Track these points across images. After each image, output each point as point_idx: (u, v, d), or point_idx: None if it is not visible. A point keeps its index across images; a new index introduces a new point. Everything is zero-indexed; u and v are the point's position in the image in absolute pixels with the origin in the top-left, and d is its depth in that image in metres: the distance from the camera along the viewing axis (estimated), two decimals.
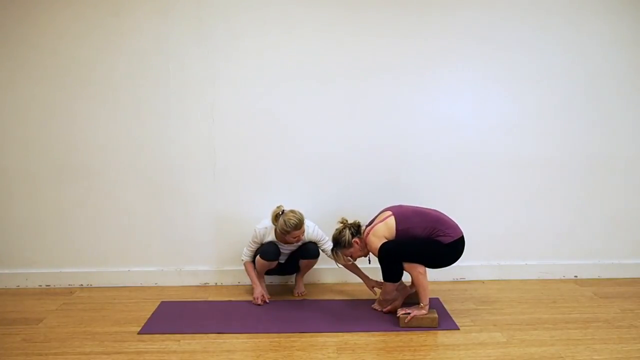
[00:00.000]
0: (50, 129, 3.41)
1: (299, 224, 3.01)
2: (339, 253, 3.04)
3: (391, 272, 2.83)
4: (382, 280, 2.95)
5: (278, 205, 3.11)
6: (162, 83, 3.39)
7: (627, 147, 3.58)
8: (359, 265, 3.24)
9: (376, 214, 3.05)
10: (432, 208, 3.00)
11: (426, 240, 2.83)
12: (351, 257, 3.06)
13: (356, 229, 3.02)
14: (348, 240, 2.96)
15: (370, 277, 3.23)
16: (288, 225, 2.98)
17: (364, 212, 3.11)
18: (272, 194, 3.46)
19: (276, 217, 3.06)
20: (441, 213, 2.96)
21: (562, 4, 3.43)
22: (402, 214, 2.90)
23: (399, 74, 3.44)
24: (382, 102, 3.46)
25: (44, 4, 3.30)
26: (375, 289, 3.20)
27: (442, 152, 3.52)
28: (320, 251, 3.26)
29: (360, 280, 3.26)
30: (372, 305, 3.11)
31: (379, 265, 2.94)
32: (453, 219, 2.94)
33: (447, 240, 2.82)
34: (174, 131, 3.44)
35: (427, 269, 2.83)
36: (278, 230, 3.05)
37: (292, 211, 3.05)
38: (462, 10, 3.40)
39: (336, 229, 3.04)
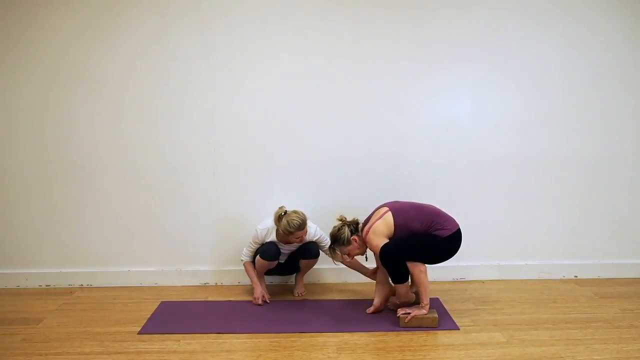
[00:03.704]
0: (50, 129, 3.41)
1: (302, 224, 3.00)
2: (337, 250, 3.05)
3: (397, 273, 2.82)
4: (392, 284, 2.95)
5: (280, 206, 3.10)
6: (163, 83, 3.39)
7: (628, 147, 3.57)
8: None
9: (372, 211, 3.05)
10: (427, 203, 3.01)
11: (425, 236, 2.84)
12: (348, 254, 3.06)
13: (355, 226, 3.02)
14: (347, 237, 2.96)
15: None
16: (291, 225, 2.97)
17: (364, 212, 3.10)
18: (272, 194, 3.46)
19: (279, 217, 3.05)
20: (436, 207, 2.97)
21: (563, 3, 3.43)
22: (399, 209, 2.90)
23: (398, 74, 3.43)
24: (382, 102, 3.45)
25: (44, 3, 3.30)
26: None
27: (442, 152, 3.52)
28: (320, 251, 3.26)
29: (361, 280, 3.27)
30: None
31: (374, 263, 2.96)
32: (448, 213, 2.95)
33: (446, 233, 2.83)
34: (174, 131, 3.43)
35: (427, 267, 2.83)
36: (281, 230, 3.04)
37: (294, 211, 3.04)
38: (462, 10, 3.40)
39: (334, 227, 3.04)
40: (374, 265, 3.19)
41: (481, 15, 3.41)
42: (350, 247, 3.00)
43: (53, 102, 3.38)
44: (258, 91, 3.42)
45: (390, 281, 2.92)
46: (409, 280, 2.90)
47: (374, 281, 3.19)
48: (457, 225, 2.89)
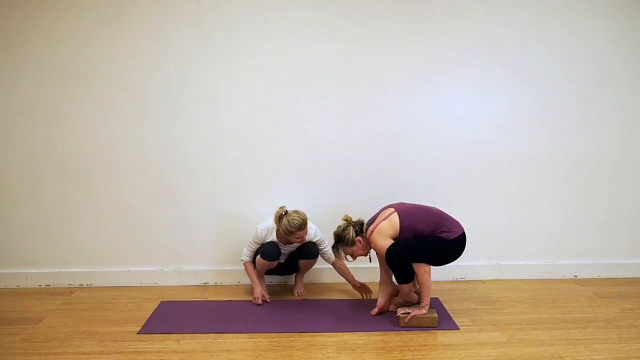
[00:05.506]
0: (51, 129, 3.41)
1: (303, 225, 3.00)
2: (340, 251, 3.04)
3: (403, 274, 2.82)
4: (397, 284, 2.95)
5: (281, 206, 3.09)
6: (163, 84, 3.39)
7: (627, 147, 3.58)
8: (355, 266, 3.24)
9: (377, 212, 3.04)
10: (431, 206, 3.00)
11: (431, 238, 2.83)
12: (352, 255, 3.04)
13: (360, 227, 3.00)
14: (352, 238, 2.94)
15: (356, 279, 3.27)
16: (292, 225, 2.97)
17: (364, 213, 3.10)
18: (272, 194, 3.46)
19: (280, 218, 3.04)
20: (441, 210, 2.96)
21: (559, 7, 3.43)
22: (405, 210, 2.89)
23: (398, 75, 3.43)
24: (382, 102, 3.45)
25: (46, 4, 3.30)
26: (364, 294, 3.25)
27: (442, 152, 3.52)
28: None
29: (360, 281, 3.26)
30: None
31: (378, 265, 2.95)
32: (450, 214, 2.95)
33: (452, 236, 2.82)
34: (175, 132, 3.44)
35: (431, 267, 2.83)
36: (282, 231, 3.04)
37: (295, 212, 3.04)
38: (461, 14, 3.40)
39: (339, 226, 3.02)
40: (377, 266, 3.18)
41: (481, 16, 3.41)
42: (354, 249, 2.98)
43: (53, 102, 3.38)
44: (258, 91, 3.42)
45: (395, 281, 2.92)
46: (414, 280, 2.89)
47: (358, 293, 3.25)
48: (463, 228, 2.88)
